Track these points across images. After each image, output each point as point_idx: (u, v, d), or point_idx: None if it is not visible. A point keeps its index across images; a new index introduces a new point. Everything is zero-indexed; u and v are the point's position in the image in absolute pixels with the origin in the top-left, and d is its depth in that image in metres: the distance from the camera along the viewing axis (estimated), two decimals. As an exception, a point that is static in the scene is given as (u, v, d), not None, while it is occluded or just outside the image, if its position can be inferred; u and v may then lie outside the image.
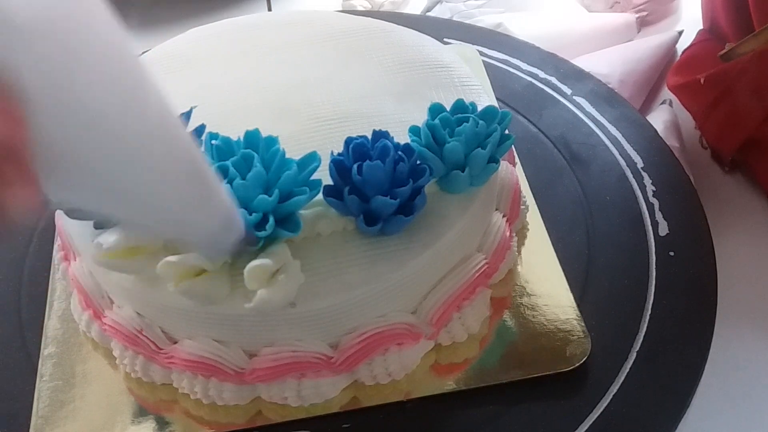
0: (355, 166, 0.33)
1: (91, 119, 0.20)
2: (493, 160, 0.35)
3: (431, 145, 0.35)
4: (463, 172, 0.34)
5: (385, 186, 0.33)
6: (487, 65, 0.54)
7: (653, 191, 0.46)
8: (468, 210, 0.36)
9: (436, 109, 0.36)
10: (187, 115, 0.36)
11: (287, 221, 0.32)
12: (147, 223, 0.27)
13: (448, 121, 0.35)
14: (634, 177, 0.46)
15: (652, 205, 0.45)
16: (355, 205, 0.33)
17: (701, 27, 0.58)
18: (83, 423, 0.37)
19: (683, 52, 0.58)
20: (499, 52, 0.57)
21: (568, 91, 0.53)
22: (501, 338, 0.39)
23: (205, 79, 0.43)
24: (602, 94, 0.53)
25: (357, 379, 0.36)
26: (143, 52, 0.47)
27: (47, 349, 0.39)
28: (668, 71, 0.60)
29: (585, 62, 0.58)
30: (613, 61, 0.60)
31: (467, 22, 0.64)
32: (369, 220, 0.33)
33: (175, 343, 0.35)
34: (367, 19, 0.47)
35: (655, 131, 0.50)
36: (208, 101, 0.41)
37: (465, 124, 0.34)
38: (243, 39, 0.46)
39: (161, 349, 0.35)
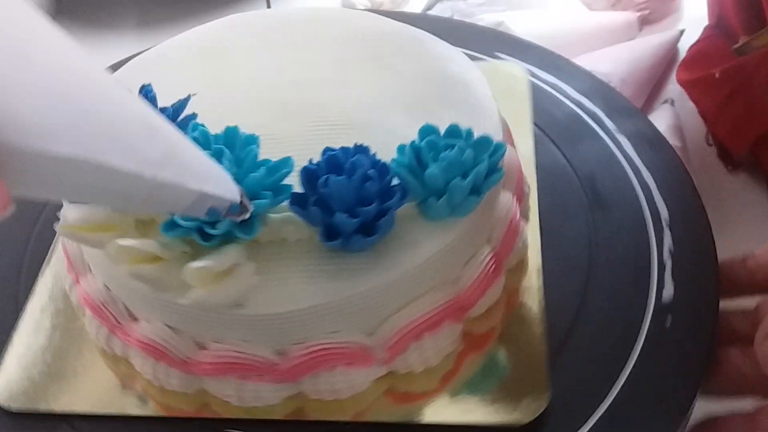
0: (323, 178, 0.32)
1: None
2: (476, 191, 0.34)
3: (414, 167, 0.33)
4: (439, 199, 0.33)
5: (350, 202, 0.32)
6: (533, 86, 0.52)
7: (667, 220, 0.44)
8: (444, 239, 0.34)
9: (425, 131, 0.34)
10: (182, 104, 0.36)
11: (245, 224, 0.32)
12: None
13: (435, 144, 0.33)
14: (654, 229, 0.43)
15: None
16: (317, 217, 0.32)
17: (703, 26, 0.57)
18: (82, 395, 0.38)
19: (690, 48, 0.57)
20: (549, 73, 0.54)
21: (612, 127, 0.50)
22: (467, 377, 0.37)
23: (220, 71, 0.43)
24: (647, 136, 0.49)
25: (302, 391, 0.36)
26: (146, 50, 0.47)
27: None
28: (670, 70, 0.59)
29: (586, 61, 0.57)
30: (615, 59, 0.59)
31: (468, 20, 0.62)
32: (330, 234, 0.32)
33: (135, 321, 0.36)
34: (401, 24, 0.45)
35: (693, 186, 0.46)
36: (218, 93, 0.41)
37: (449, 150, 0.33)
38: (263, 33, 0.45)
39: (120, 324, 0.36)
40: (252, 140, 0.33)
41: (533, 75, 0.53)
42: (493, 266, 0.37)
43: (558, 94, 0.52)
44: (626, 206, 0.45)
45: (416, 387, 0.36)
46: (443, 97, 0.40)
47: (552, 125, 0.50)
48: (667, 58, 0.61)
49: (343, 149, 0.33)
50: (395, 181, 0.33)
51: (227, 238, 0.32)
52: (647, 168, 0.47)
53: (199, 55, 0.44)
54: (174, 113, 0.36)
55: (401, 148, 0.34)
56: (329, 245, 0.32)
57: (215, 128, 0.35)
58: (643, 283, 0.40)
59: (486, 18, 0.64)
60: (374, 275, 0.33)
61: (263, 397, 0.35)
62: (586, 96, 0.52)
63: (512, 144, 0.44)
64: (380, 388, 0.36)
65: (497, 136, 0.36)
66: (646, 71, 0.59)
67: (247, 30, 0.46)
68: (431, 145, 0.33)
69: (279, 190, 0.32)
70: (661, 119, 0.55)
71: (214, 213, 0.28)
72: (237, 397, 0.35)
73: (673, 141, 0.51)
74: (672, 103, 0.58)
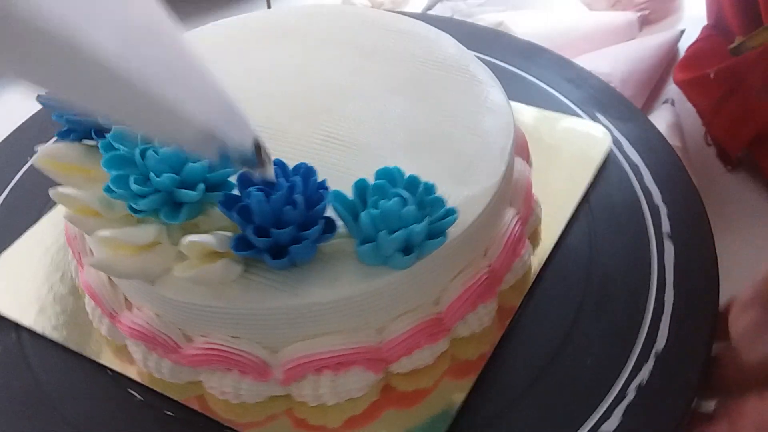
0: (249, 189, 0.32)
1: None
2: (408, 251, 0.32)
3: (356, 206, 0.32)
4: (362, 245, 0.32)
5: (267, 220, 0.31)
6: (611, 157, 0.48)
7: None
8: (366, 286, 0.32)
9: (383, 173, 0.33)
10: None
11: (172, 207, 0.32)
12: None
13: (384, 190, 0.32)
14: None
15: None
16: (239, 223, 0.32)
17: (703, 25, 0.56)
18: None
19: (688, 48, 0.57)
20: (635, 150, 0.48)
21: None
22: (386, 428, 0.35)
23: (246, 60, 0.43)
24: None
25: (200, 381, 0.36)
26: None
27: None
28: (670, 70, 0.59)
29: (586, 61, 0.57)
30: (615, 60, 0.59)
31: (468, 20, 0.61)
32: (242, 243, 0.32)
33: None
34: (458, 57, 0.43)
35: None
36: (238, 81, 0.41)
37: (386, 200, 0.31)
38: (294, 28, 0.45)
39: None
40: None
41: (617, 144, 0.48)
42: (430, 329, 0.35)
43: (632, 175, 0.47)
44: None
45: (313, 419, 0.35)
46: (456, 140, 0.38)
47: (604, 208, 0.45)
48: (667, 58, 0.61)
49: (295, 167, 0.33)
50: (332, 213, 0.32)
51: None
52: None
53: (228, 43, 0.44)
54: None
55: (354, 184, 0.33)
56: (237, 252, 0.32)
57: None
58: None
59: (486, 18, 0.64)
60: (278, 297, 0.32)
61: (165, 373, 0.36)
62: (657, 185, 0.46)
63: (527, 159, 0.43)
64: (278, 406, 0.36)
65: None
66: (646, 71, 0.58)
67: (279, 24, 0.46)
68: (379, 189, 0.32)
69: (218, 186, 0.33)
70: (661, 119, 0.55)
71: (225, 158, 0.26)
72: (143, 363, 0.36)
73: (673, 141, 0.50)
74: (672, 103, 0.57)
